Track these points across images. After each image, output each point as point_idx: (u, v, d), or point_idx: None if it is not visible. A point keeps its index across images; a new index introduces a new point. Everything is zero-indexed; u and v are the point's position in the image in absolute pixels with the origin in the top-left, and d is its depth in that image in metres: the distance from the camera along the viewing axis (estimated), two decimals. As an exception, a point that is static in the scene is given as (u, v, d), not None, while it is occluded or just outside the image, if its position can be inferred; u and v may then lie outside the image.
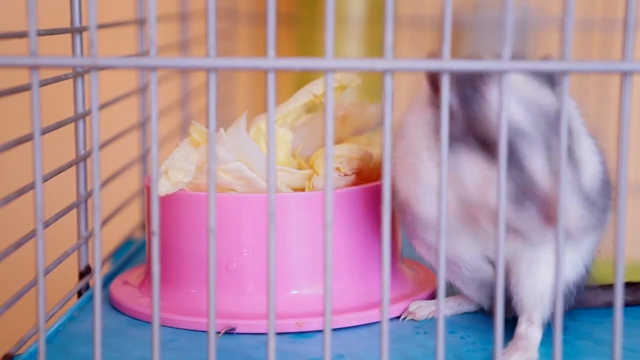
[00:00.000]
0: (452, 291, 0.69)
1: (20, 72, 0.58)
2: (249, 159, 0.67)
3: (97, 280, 0.53)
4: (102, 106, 0.79)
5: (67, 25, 0.72)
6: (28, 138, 0.60)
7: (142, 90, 0.90)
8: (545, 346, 0.62)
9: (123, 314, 0.69)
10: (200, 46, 1.14)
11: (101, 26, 0.71)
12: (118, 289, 0.72)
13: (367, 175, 0.71)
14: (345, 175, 0.69)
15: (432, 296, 0.71)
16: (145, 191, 0.72)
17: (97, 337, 0.52)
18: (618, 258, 0.50)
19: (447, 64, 0.49)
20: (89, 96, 0.65)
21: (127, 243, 0.90)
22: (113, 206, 0.84)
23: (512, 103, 0.56)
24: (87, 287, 0.74)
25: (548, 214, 0.54)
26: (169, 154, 0.67)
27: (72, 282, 0.74)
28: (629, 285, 0.70)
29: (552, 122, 0.56)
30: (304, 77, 1.18)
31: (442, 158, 0.49)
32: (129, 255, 0.85)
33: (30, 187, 0.62)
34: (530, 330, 0.62)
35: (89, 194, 0.74)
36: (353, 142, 0.72)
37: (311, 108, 0.74)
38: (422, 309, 0.68)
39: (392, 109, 0.49)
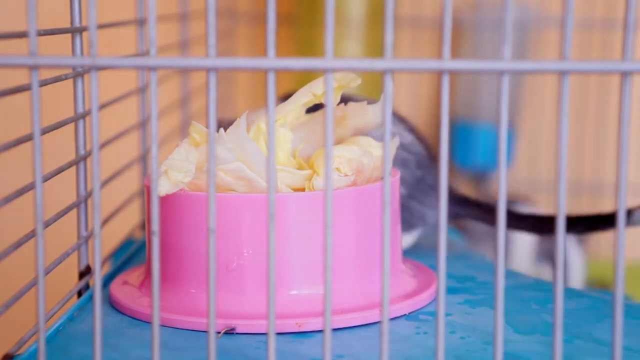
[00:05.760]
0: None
1: (20, 72, 0.58)
2: (249, 159, 0.67)
3: (97, 280, 0.53)
4: (102, 106, 0.79)
5: (67, 25, 0.72)
6: (28, 138, 0.60)
7: (142, 90, 0.90)
8: (545, 346, 0.62)
9: (123, 314, 0.69)
10: (200, 46, 1.15)
11: (101, 26, 0.71)
12: (118, 289, 0.72)
13: (367, 176, 0.71)
14: (346, 175, 0.69)
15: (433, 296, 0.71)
16: (145, 191, 0.72)
17: (97, 337, 0.52)
18: (618, 258, 0.50)
19: (447, 64, 0.49)
20: (89, 96, 0.65)
21: (127, 243, 0.90)
22: (113, 206, 0.84)
23: None
24: (87, 287, 0.74)
25: None
26: (169, 154, 0.67)
27: (72, 282, 0.74)
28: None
29: None
30: (304, 77, 1.18)
31: (442, 157, 0.49)
32: (129, 255, 0.85)
33: (30, 187, 0.62)
34: None
35: (89, 194, 0.74)
36: (353, 143, 0.72)
37: (311, 108, 0.74)
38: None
39: (392, 108, 0.49)
